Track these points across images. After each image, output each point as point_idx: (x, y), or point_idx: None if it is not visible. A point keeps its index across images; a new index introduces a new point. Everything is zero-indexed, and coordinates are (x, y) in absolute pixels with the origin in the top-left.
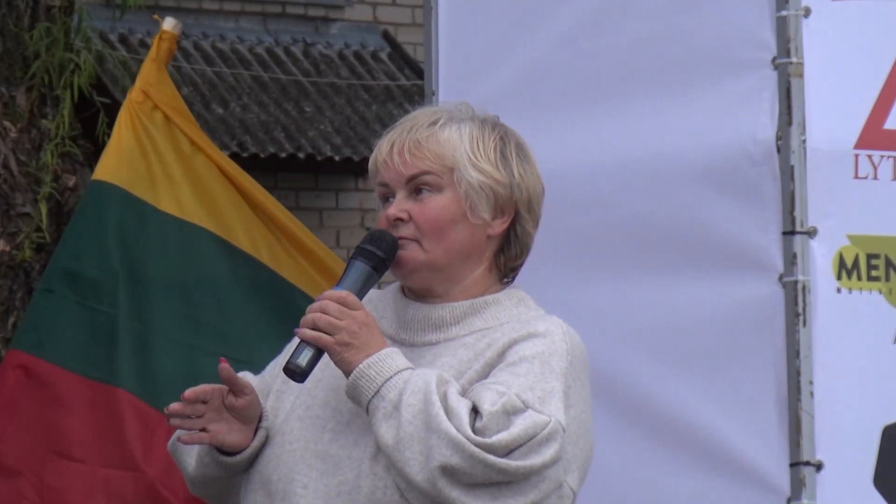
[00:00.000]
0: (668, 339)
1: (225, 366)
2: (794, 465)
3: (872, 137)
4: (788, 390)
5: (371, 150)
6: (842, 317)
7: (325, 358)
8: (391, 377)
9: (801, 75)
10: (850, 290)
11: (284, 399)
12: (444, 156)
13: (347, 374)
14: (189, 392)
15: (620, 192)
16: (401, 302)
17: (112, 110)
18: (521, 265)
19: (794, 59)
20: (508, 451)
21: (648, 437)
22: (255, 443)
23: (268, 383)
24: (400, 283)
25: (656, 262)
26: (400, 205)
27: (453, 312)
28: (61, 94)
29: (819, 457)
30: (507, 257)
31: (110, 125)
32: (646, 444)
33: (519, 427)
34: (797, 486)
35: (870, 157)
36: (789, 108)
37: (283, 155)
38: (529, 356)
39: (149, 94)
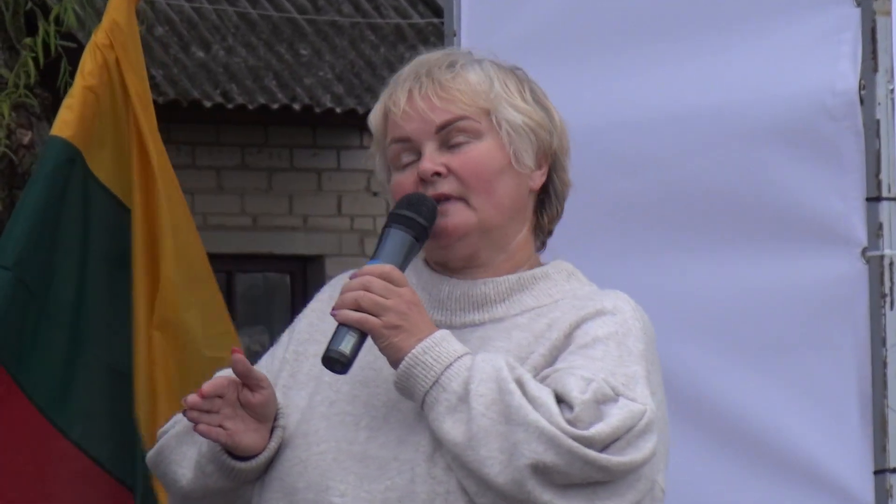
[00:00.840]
0: (730, 324)
1: (240, 357)
2: (880, 472)
3: None
4: (873, 385)
5: (377, 101)
6: None
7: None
8: (451, 363)
9: (888, 13)
10: None
11: (295, 396)
12: (476, 97)
13: (397, 362)
14: (208, 385)
15: (673, 152)
16: (430, 277)
17: (74, 56)
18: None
19: None
20: (606, 444)
21: (708, 441)
22: (273, 444)
23: (272, 376)
24: (426, 255)
25: (715, 233)
26: (434, 158)
27: (498, 288)
28: (26, 43)
29: None
30: (549, 216)
31: (73, 74)
32: (705, 448)
33: (616, 417)
34: (882, 496)
35: None
36: (874, 52)
37: (276, 106)
38: (603, 337)
39: (113, 41)
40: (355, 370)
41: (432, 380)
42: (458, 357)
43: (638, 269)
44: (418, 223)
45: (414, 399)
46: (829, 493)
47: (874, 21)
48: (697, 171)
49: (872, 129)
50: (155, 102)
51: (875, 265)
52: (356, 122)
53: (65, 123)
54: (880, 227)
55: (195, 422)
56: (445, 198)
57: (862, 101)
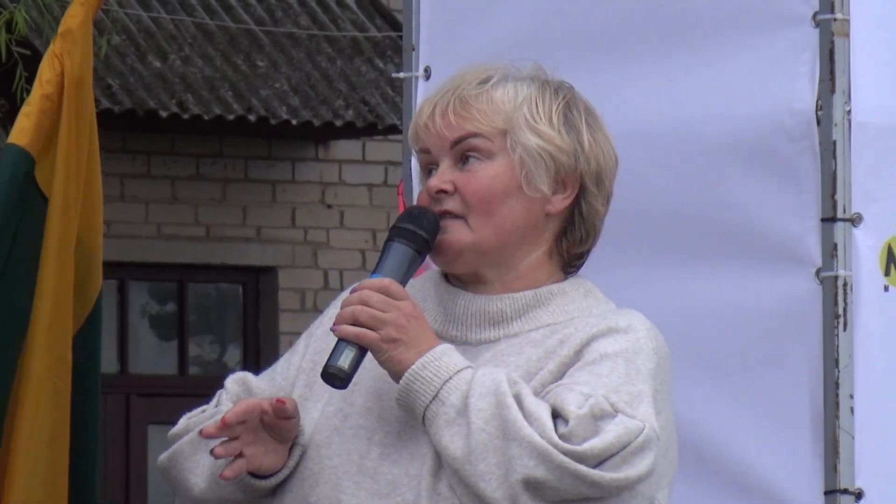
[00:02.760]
0: (684, 342)
1: (292, 404)
2: (830, 493)
3: None
4: (825, 405)
5: (334, 113)
6: (890, 319)
7: (364, 359)
8: (450, 378)
9: (846, 34)
10: None
11: (310, 407)
12: (495, 116)
13: (398, 376)
14: (231, 415)
15: (631, 170)
16: (447, 291)
17: (33, 63)
18: (589, 251)
19: (838, 15)
20: (600, 460)
21: None
22: (292, 462)
23: (281, 387)
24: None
25: (671, 251)
26: (443, 175)
27: (514, 305)
28: None
29: (859, 484)
30: (571, 241)
31: (30, 80)
32: None
33: (611, 434)
34: None
35: None
36: (832, 72)
37: (231, 117)
38: (612, 354)
39: (62, 49)
40: (369, 381)
41: (431, 394)
42: (458, 371)
43: (596, 284)
44: (420, 236)
45: (415, 414)
46: None
47: (832, 42)
48: (655, 188)
49: (829, 150)
50: (111, 112)
51: (829, 286)
52: (311, 134)
53: (21, 131)
54: (835, 247)
55: (216, 455)
56: (448, 214)
57: (819, 122)
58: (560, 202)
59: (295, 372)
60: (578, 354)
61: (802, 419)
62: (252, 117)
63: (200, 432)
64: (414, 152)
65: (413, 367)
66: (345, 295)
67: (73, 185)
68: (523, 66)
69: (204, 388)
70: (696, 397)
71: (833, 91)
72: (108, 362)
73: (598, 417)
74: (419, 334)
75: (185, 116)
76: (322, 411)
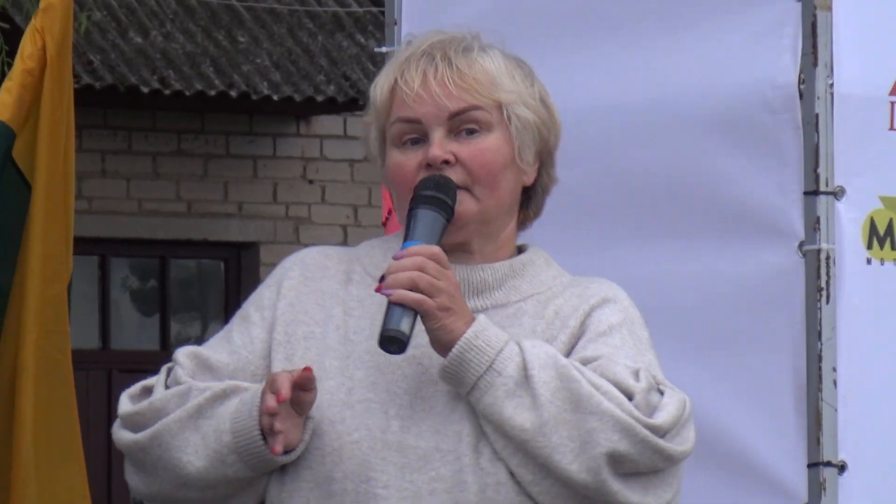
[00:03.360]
0: (668, 314)
1: (312, 373)
2: (813, 465)
3: None
4: (808, 378)
5: (315, 89)
6: (872, 292)
7: (347, 329)
8: (503, 348)
9: (828, 8)
10: (881, 262)
11: (315, 367)
12: (492, 88)
13: (448, 345)
14: (286, 389)
15: (614, 143)
16: None
17: (14, 38)
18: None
19: None
20: (667, 433)
21: None
22: (307, 436)
23: (247, 361)
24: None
25: (655, 225)
26: (445, 146)
27: (495, 275)
28: None
29: (842, 456)
30: (532, 210)
31: (11, 54)
32: None
33: (671, 406)
34: (816, 489)
35: None
36: (814, 46)
37: (213, 93)
38: (617, 324)
39: (43, 24)
40: (363, 354)
41: (486, 364)
42: (507, 342)
43: (577, 262)
44: (449, 205)
45: (464, 383)
46: (763, 485)
47: (815, 16)
48: (639, 162)
49: (811, 124)
50: (92, 87)
51: (811, 259)
52: (293, 110)
53: (3, 105)
54: (817, 221)
55: (271, 427)
56: None
57: (801, 95)
58: (532, 173)
59: (262, 345)
60: (584, 326)
61: (786, 392)
62: (233, 93)
63: (267, 408)
64: (378, 120)
65: (466, 335)
66: (298, 268)
67: (57, 162)
68: (479, 35)
69: None
70: (680, 371)
71: (815, 64)
72: (90, 338)
73: (652, 390)
74: (463, 304)
75: (167, 92)
76: (322, 385)
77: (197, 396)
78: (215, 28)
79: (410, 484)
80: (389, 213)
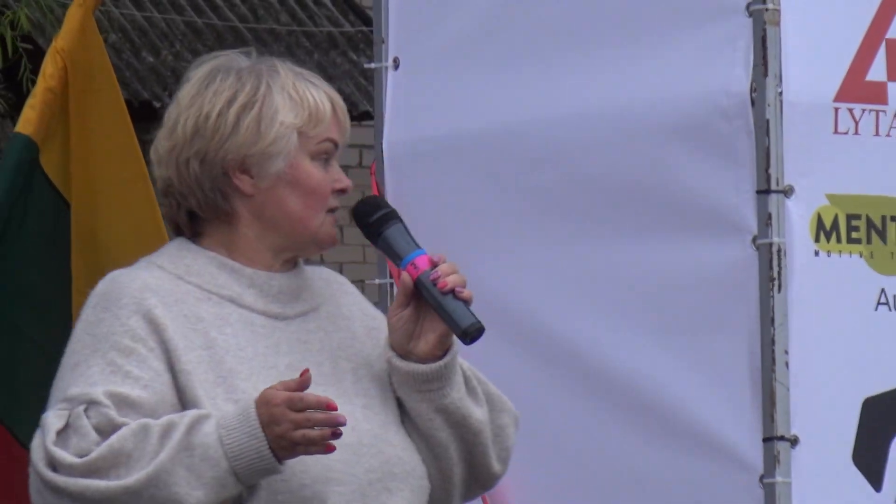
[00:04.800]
0: (633, 305)
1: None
2: (768, 440)
3: (854, 90)
4: (762, 360)
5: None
6: (820, 282)
7: (250, 331)
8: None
9: (777, 23)
10: (828, 254)
11: (244, 384)
12: None
13: (448, 349)
14: (327, 401)
15: (581, 148)
16: (255, 274)
17: (36, 58)
18: None
19: (769, 6)
20: None
21: (611, 409)
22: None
23: (163, 393)
24: (219, 253)
25: (620, 222)
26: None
27: (307, 281)
28: None
29: (794, 431)
30: None
31: (34, 72)
32: (609, 416)
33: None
34: (771, 462)
35: (850, 110)
36: (765, 58)
37: None
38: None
39: (65, 47)
40: (264, 367)
41: (457, 365)
42: None
43: (550, 257)
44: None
45: (450, 382)
46: (722, 458)
47: (765, 30)
48: (604, 165)
49: (762, 128)
50: None
51: (764, 252)
52: None
53: (27, 121)
54: (769, 217)
55: (311, 439)
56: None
57: (753, 103)
58: None
59: (167, 376)
60: (364, 318)
61: (742, 373)
62: None
63: (340, 420)
64: (307, 127)
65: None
66: (132, 293)
67: (89, 179)
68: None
69: None
70: (644, 356)
71: (766, 75)
72: None
73: None
74: None
75: None
76: (255, 388)
77: (171, 432)
78: (220, 47)
79: (353, 477)
80: None
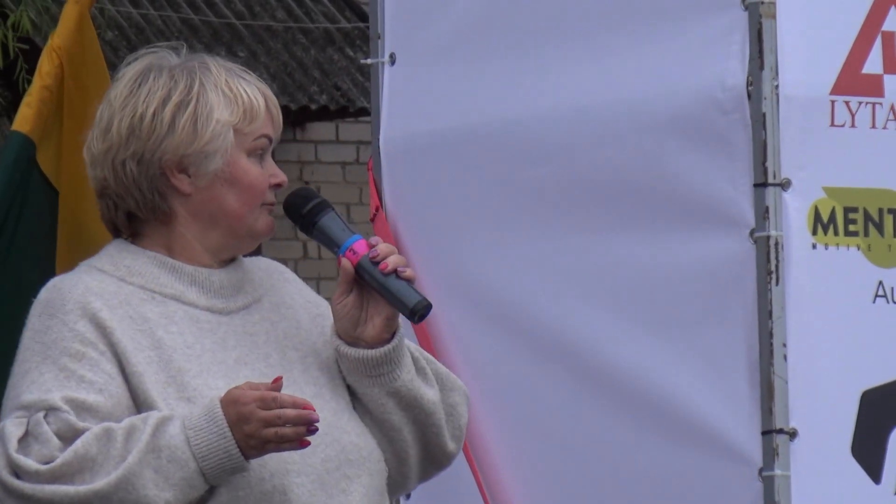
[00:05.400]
0: (631, 298)
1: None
2: (767, 433)
3: (850, 82)
4: (760, 353)
5: (309, 98)
6: (817, 274)
7: (196, 328)
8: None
9: (773, 16)
10: (826, 246)
11: (189, 387)
12: None
13: (395, 329)
14: (298, 401)
15: (580, 142)
16: (195, 272)
17: (32, 57)
18: None
19: None
20: None
21: (611, 404)
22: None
23: (119, 397)
24: (159, 252)
25: (618, 216)
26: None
27: (248, 274)
28: None
29: (793, 424)
30: None
31: (30, 71)
32: (608, 410)
33: None
34: (769, 455)
35: (847, 103)
36: (761, 51)
37: None
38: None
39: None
40: (213, 363)
41: (404, 349)
42: None
43: (547, 251)
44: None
45: (400, 365)
46: (721, 452)
47: (760, 24)
48: (600, 159)
49: (759, 122)
50: None
51: (762, 245)
52: (289, 118)
53: (24, 119)
54: (766, 210)
55: (283, 437)
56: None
57: (750, 96)
58: None
59: (120, 379)
60: (309, 305)
61: (740, 366)
62: None
63: (314, 419)
64: (243, 123)
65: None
66: (76, 298)
67: (80, 168)
68: None
69: None
70: (642, 349)
71: (762, 68)
72: None
73: None
74: None
75: None
76: (205, 383)
77: (135, 435)
78: (216, 44)
79: (311, 467)
80: (377, 210)
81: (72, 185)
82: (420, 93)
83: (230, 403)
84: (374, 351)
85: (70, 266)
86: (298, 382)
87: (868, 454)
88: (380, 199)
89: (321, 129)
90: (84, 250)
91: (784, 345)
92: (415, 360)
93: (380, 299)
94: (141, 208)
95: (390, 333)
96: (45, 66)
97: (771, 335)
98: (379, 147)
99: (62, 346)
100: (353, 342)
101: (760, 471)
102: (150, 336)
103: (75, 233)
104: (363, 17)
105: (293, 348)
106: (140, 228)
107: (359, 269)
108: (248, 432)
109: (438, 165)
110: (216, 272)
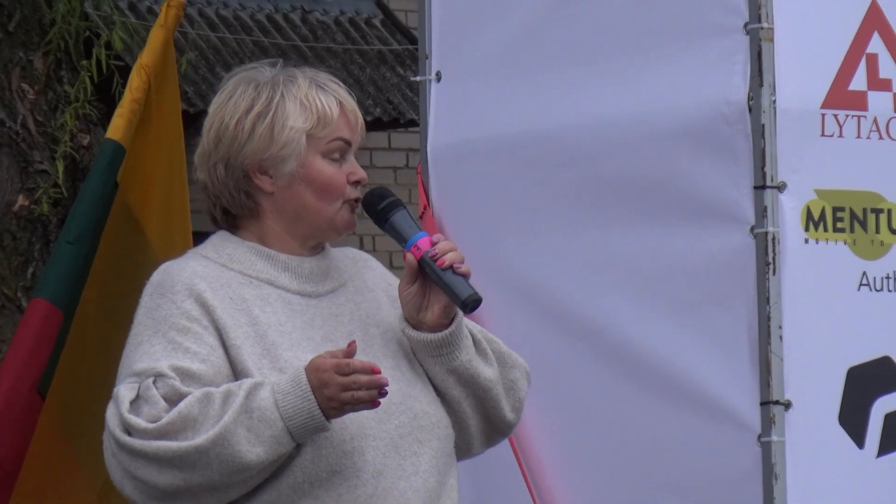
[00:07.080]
0: (648, 285)
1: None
2: (765, 403)
3: (838, 98)
4: (759, 334)
5: (365, 111)
6: (809, 266)
7: (288, 309)
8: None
9: (771, 40)
10: (816, 241)
11: (294, 355)
12: None
13: (452, 315)
14: (372, 366)
15: (602, 150)
16: (289, 259)
17: (123, 73)
18: None
19: (764, 25)
20: None
21: (629, 378)
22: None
23: (219, 367)
24: (255, 242)
25: (637, 213)
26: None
27: (334, 262)
28: (83, 64)
29: (788, 396)
30: None
31: (123, 85)
32: (625, 382)
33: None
34: (767, 423)
35: (836, 116)
36: (760, 70)
37: None
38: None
39: (148, 64)
40: (303, 339)
41: (466, 331)
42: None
43: (575, 244)
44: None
45: (461, 346)
46: (725, 420)
47: (760, 46)
48: (622, 165)
49: (759, 132)
50: (186, 112)
51: (761, 240)
52: None
53: (116, 128)
54: (765, 209)
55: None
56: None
57: (750, 110)
58: None
59: (221, 351)
60: (388, 287)
61: (742, 345)
62: None
63: (382, 382)
64: (318, 129)
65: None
66: (184, 279)
67: (143, 171)
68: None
69: None
70: (656, 330)
71: (761, 85)
72: None
73: None
74: None
75: None
76: (293, 356)
77: (231, 398)
78: (284, 64)
79: (386, 432)
80: (425, 208)
81: (127, 180)
82: (462, 106)
83: (313, 370)
84: (434, 335)
85: (111, 248)
86: (378, 357)
87: (853, 423)
88: (427, 199)
89: (375, 138)
90: (127, 236)
91: (780, 327)
92: (476, 342)
93: (439, 290)
94: (232, 205)
95: (448, 319)
96: (135, 81)
97: (769, 318)
98: (426, 154)
99: (171, 321)
100: (417, 325)
101: (759, 437)
102: (247, 314)
103: (125, 220)
104: (412, 40)
105: (374, 326)
106: (237, 221)
107: (421, 263)
108: (328, 395)
109: (479, 170)
110: (307, 260)
